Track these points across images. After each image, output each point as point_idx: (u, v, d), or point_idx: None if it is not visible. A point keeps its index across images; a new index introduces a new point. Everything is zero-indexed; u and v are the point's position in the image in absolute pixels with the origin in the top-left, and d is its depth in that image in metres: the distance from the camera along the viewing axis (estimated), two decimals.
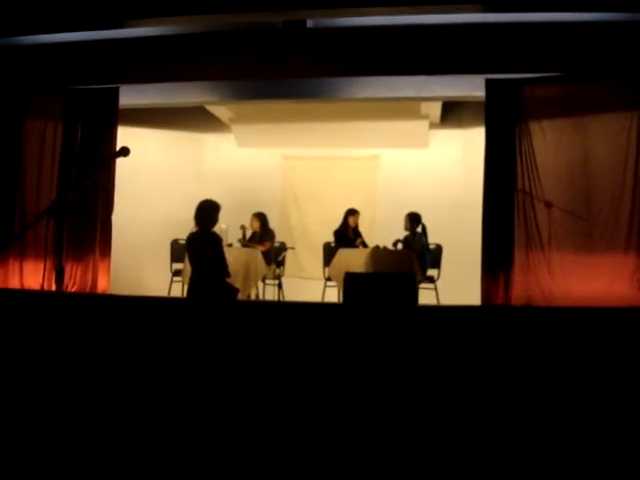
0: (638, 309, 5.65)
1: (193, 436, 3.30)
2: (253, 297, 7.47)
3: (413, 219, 7.56)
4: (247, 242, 7.79)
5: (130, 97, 7.41)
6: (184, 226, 6.33)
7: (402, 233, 7.64)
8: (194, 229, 5.87)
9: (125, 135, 7.40)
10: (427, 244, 7.57)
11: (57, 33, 6.86)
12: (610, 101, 6.35)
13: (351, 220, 7.80)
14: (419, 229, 7.59)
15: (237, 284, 6.60)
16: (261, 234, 7.85)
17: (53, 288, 6.63)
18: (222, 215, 5.97)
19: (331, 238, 7.96)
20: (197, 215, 5.79)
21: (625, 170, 6.26)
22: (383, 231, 8.05)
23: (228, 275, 5.90)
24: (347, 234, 7.78)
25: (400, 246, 7.47)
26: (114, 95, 7.30)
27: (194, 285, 5.94)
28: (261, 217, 7.92)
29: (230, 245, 7.40)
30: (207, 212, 5.79)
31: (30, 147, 7.39)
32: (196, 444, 3.22)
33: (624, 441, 3.20)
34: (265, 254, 7.43)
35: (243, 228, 7.81)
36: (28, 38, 6.98)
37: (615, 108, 6.35)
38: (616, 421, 3.44)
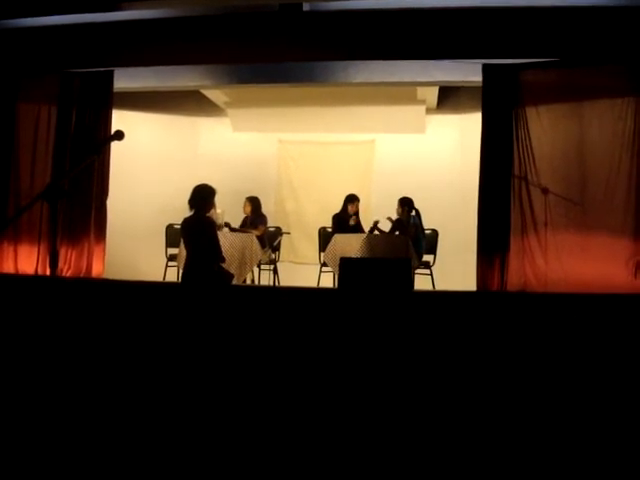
0: (633, 296, 5.67)
1: (189, 421, 3.31)
2: (249, 282, 7.46)
3: (404, 203, 7.54)
4: (240, 227, 7.75)
5: (125, 80, 7.38)
6: (179, 211, 6.29)
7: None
8: (190, 213, 5.85)
9: (120, 119, 7.37)
10: (422, 229, 7.56)
11: (52, 15, 6.80)
12: (607, 86, 6.35)
13: (350, 207, 7.75)
14: (412, 213, 7.57)
15: (232, 269, 6.59)
16: (253, 218, 7.80)
17: (47, 272, 6.67)
18: (217, 199, 5.94)
19: (327, 223, 7.94)
20: (192, 199, 5.75)
21: (621, 156, 6.27)
22: (379, 216, 8.03)
23: (223, 260, 5.88)
24: (345, 220, 7.73)
25: (380, 225, 7.53)
26: (109, 78, 7.26)
27: (188, 270, 5.93)
28: (253, 201, 7.82)
29: (228, 227, 7.42)
30: (202, 197, 5.75)
31: (24, 130, 7.35)
32: (192, 430, 3.22)
33: (620, 429, 3.21)
34: (259, 238, 7.40)
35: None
36: (23, 20, 6.93)
37: (612, 94, 6.34)
38: (611, 409, 3.45)
